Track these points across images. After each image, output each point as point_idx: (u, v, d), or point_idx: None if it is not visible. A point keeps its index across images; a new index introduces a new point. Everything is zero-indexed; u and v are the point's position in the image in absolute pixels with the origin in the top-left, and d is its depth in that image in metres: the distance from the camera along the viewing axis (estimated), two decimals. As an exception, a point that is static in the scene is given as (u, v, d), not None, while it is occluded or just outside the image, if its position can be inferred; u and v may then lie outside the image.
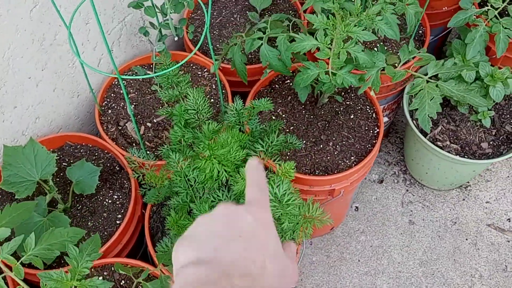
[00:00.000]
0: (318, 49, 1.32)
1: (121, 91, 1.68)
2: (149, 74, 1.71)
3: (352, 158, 1.57)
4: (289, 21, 1.62)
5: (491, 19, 1.70)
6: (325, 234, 2.10)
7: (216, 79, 1.72)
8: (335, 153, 1.57)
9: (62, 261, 1.33)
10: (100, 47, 1.62)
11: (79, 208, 1.48)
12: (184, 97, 1.35)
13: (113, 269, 1.37)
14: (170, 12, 1.47)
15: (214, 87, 1.71)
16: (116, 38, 1.67)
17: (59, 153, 1.57)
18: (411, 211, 2.16)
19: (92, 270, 1.35)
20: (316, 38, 1.30)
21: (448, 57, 1.79)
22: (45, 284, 1.05)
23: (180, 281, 0.52)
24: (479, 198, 2.20)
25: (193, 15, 1.92)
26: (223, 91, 1.63)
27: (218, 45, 1.82)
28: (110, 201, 1.49)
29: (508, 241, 2.09)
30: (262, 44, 1.45)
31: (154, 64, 1.71)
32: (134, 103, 1.66)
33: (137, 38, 1.77)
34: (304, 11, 1.74)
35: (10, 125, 1.46)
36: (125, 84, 1.70)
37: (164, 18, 1.52)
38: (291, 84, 1.70)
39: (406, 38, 1.83)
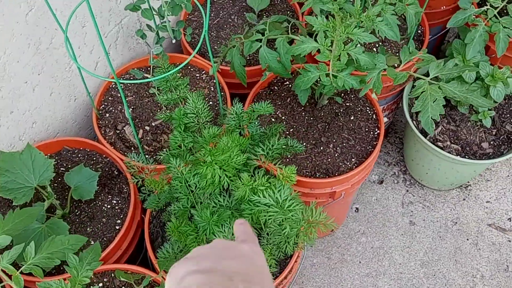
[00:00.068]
0: (318, 51, 1.31)
1: (119, 94, 1.66)
2: (147, 77, 1.69)
3: (353, 160, 1.55)
4: (288, 23, 1.60)
5: (490, 19, 1.69)
6: (326, 236, 2.09)
7: (214, 81, 1.70)
8: (336, 155, 1.55)
9: (62, 268, 1.32)
10: (97, 50, 1.60)
11: (77, 213, 1.46)
12: (183, 101, 1.33)
13: (113, 275, 1.36)
14: (167, 15, 1.45)
15: (212, 89, 1.69)
16: (113, 41, 1.66)
17: (56, 158, 1.55)
18: (412, 211, 2.15)
19: (92, 276, 1.33)
20: (316, 40, 1.29)
21: (448, 57, 1.79)
22: (45, 294, 1.04)
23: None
24: (480, 197, 2.19)
25: (190, 17, 1.90)
26: (222, 93, 1.62)
27: (216, 47, 1.80)
28: (109, 206, 1.48)
29: (509, 241, 2.08)
30: (261, 46, 1.44)
31: (151, 67, 1.69)
32: (132, 107, 1.65)
33: (134, 40, 1.75)
34: (302, 13, 1.73)
35: (7, 130, 1.44)
36: (122, 87, 1.68)
37: (162, 21, 1.50)
38: (290, 85, 1.69)
39: (405, 38, 1.81)
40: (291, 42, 1.52)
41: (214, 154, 1.10)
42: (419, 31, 1.91)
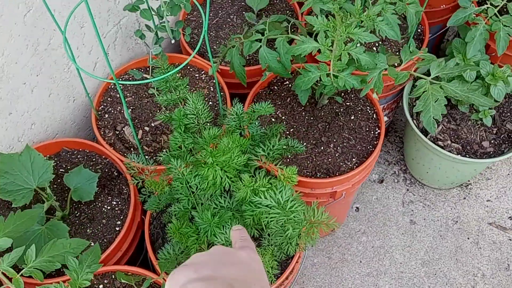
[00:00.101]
0: (319, 51, 1.30)
1: (118, 95, 1.66)
2: (146, 77, 1.68)
3: (353, 159, 1.55)
4: (287, 22, 1.60)
5: (490, 17, 1.69)
6: (326, 235, 2.08)
7: (213, 81, 1.69)
8: (336, 155, 1.55)
9: (62, 269, 1.31)
10: (96, 50, 1.60)
11: (77, 215, 1.45)
12: (183, 101, 1.33)
13: (113, 277, 1.35)
14: (166, 15, 1.44)
15: (212, 89, 1.69)
16: (111, 41, 1.65)
17: (55, 159, 1.55)
18: (412, 210, 2.15)
19: (92, 278, 1.32)
20: (316, 40, 1.28)
21: (448, 57, 1.78)
22: (45, 297, 1.03)
23: None
24: (480, 196, 2.19)
25: (189, 16, 1.89)
26: (222, 93, 1.61)
27: (215, 47, 1.80)
28: (109, 208, 1.47)
29: (510, 239, 2.08)
30: (261, 46, 1.43)
31: (151, 67, 1.69)
32: (131, 107, 1.64)
33: (132, 41, 1.74)
34: (302, 13, 1.72)
35: (6, 132, 1.43)
36: (121, 88, 1.67)
37: (161, 21, 1.50)
38: (290, 85, 1.68)
39: (404, 38, 1.81)
40: (290, 41, 1.51)
41: (215, 155, 1.09)
42: (419, 30, 1.90)
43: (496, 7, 1.69)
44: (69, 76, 1.55)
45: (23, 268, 1.04)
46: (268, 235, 1.21)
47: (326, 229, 1.09)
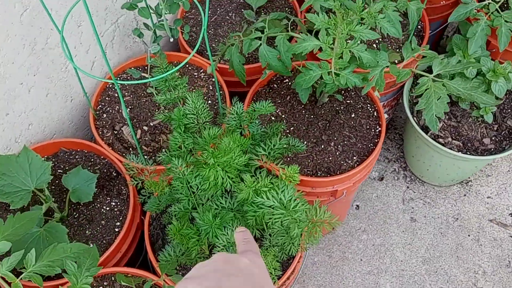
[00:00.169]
0: (320, 49, 1.29)
1: (116, 94, 1.64)
2: (144, 76, 1.66)
3: (354, 158, 1.53)
4: (287, 20, 1.58)
5: (492, 13, 1.67)
6: (327, 234, 2.07)
7: (213, 79, 1.68)
8: (337, 153, 1.54)
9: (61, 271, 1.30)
10: (93, 49, 1.58)
11: (76, 216, 1.43)
12: (182, 101, 1.31)
13: (113, 278, 1.34)
14: (165, 13, 1.42)
15: (211, 88, 1.67)
16: (109, 40, 1.63)
17: (53, 160, 1.53)
18: (412, 208, 2.14)
19: (92, 281, 1.31)
20: (317, 38, 1.26)
21: (449, 53, 1.77)
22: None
23: None
24: (480, 193, 2.18)
25: (187, 14, 1.87)
26: (221, 92, 1.59)
27: (214, 45, 1.78)
28: (108, 208, 1.45)
29: (511, 236, 2.07)
30: (260, 44, 1.42)
31: (149, 66, 1.67)
32: (130, 107, 1.62)
33: (130, 39, 1.72)
34: (301, 11, 1.70)
35: (3, 132, 1.41)
36: (120, 87, 1.66)
37: (159, 19, 1.48)
38: (290, 83, 1.66)
39: (405, 34, 1.79)
40: (290, 39, 1.49)
41: (217, 156, 1.07)
42: (419, 27, 1.89)
43: (497, 2, 1.67)
44: (66, 75, 1.53)
45: (22, 272, 1.03)
46: (270, 235, 1.20)
47: (328, 228, 1.08)
